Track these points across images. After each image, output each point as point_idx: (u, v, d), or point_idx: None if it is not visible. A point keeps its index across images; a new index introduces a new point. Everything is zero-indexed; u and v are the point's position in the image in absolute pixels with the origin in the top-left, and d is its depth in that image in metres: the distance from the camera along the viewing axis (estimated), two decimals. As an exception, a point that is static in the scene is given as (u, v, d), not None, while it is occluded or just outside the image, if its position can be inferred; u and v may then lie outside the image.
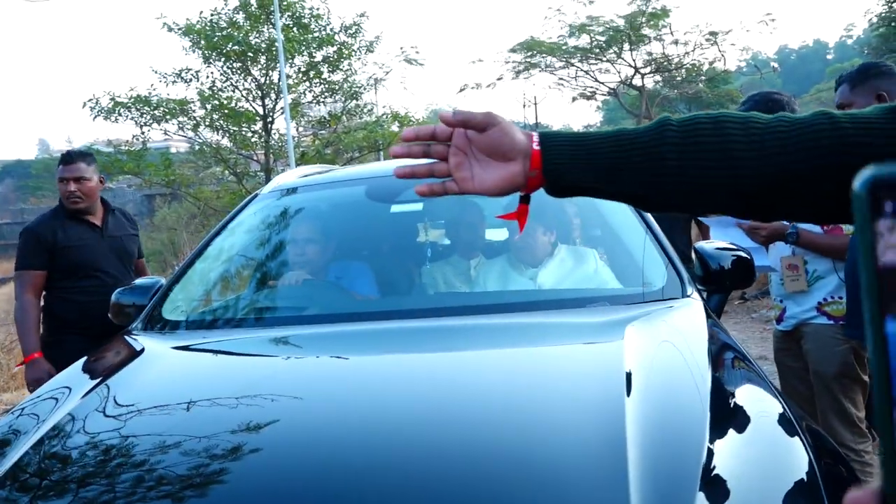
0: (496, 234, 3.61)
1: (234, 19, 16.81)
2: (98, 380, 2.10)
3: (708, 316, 2.27)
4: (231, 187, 18.06)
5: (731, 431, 1.55)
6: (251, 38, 16.77)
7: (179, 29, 16.60)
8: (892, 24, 22.10)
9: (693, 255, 2.79)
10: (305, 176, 3.49)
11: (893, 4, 22.36)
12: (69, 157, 3.99)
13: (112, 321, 3.53)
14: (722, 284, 2.69)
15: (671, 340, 2.06)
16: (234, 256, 3.12)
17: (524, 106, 61.98)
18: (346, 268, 3.04)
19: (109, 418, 1.84)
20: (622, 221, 2.97)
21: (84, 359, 2.45)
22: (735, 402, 1.74)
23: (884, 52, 27.65)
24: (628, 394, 1.63)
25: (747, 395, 1.79)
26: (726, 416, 1.62)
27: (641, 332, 2.05)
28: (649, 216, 2.88)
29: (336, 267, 3.02)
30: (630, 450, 1.42)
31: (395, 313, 2.53)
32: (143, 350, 2.34)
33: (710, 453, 1.43)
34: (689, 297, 2.44)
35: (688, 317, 2.26)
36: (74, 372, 2.33)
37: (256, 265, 3.10)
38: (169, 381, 2.04)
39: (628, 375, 1.71)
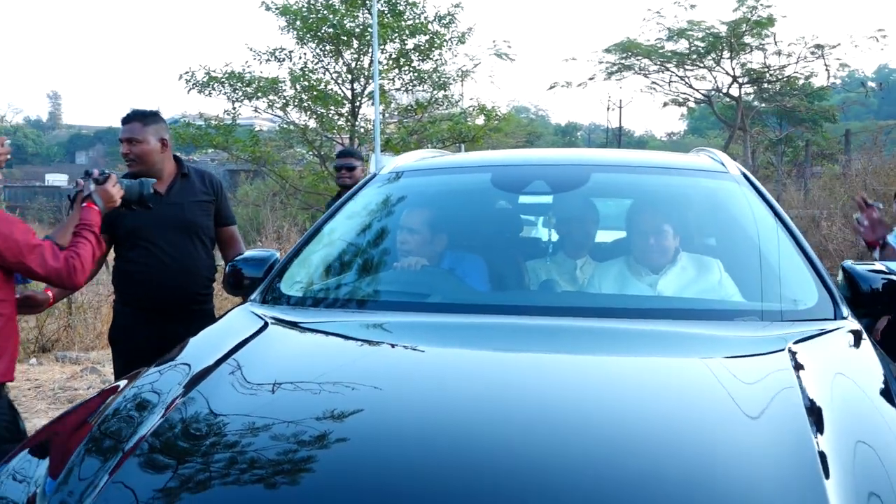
0: (608, 236, 3.45)
1: (331, 2, 16.92)
2: (224, 354, 2.03)
3: (871, 341, 2.07)
4: (314, 168, 18.21)
5: None
6: (346, 21, 16.85)
7: (277, 8, 16.79)
8: None
9: (841, 275, 2.58)
10: (424, 159, 3.39)
11: None
12: (127, 117, 3.62)
13: (175, 298, 3.46)
14: (872, 308, 2.47)
15: (843, 368, 1.87)
16: (351, 236, 3.04)
17: (608, 109, 61.20)
18: (459, 259, 2.93)
19: (240, 396, 1.77)
20: (762, 229, 2.77)
21: (208, 328, 2.41)
22: None
23: None
24: (814, 426, 1.46)
25: None
26: None
27: (805, 352, 1.87)
28: (794, 226, 2.68)
29: (451, 257, 2.91)
30: (830, 489, 1.26)
31: (514, 308, 2.41)
32: (266, 326, 2.27)
33: None
34: (844, 318, 2.24)
35: (850, 339, 2.07)
36: (200, 341, 2.28)
37: (374, 247, 3.01)
38: (294, 361, 1.97)
39: (810, 408, 1.53)
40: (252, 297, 2.63)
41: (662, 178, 3.08)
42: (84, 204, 3.06)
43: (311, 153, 18.56)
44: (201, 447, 1.55)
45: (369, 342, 2.29)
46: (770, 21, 20.19)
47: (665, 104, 23.60)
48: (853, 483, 1.29)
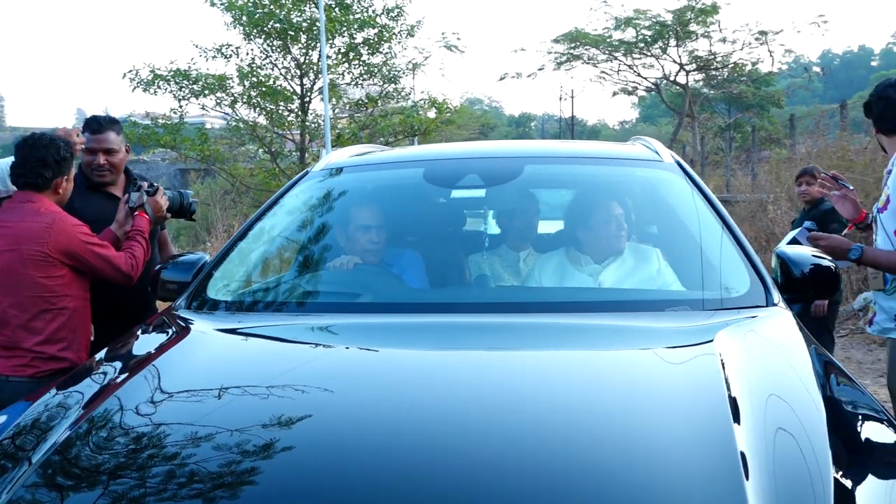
0: (550, 227, 3.43)
1: (277, -3, 16.70)
2: (142, 362, 1.97)
3: (800, 328, 2.07)
4: (265, 165, 18.01)
5: (854, 464, 1.38)
6: (293, 16, 16.66)
7: (222, 4, 16.53)
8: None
9: (774, 261, 2.58)
10: (359, 155, 3.33)
11: (948, 12, 21.77)
12: (98, 125, 3.55)
13: (132, 300, 3.39)
14: (805, 293, 2.48)
15: (770, 355, 1.87)
16: (281, 236, 2.97)
17: (561, 99, 61.50)
18: (396, 255, 2.88)
19: (155, 404, 1.70)
20: (695, 217, 2.77)
21: (128, 335, 2.32)
22: (851, 429, 1.55)
23: (934, 60, 26.98)
24: (736, 418, 1.44)
25: (860, 419, 1.61)
26: (846, 446, 1.43)
27: (733, 343, 1.85)
28: (727, 213, 2.68)
29: (389, 253, 2.86)
30: (749, 484, 1.25)
31: (450, 306, 2.36)
32: (188, 331, 2.20)
33: (839, 490, 1.26)
34: (775, 305, 2.24)
35: (780, 328, 2.07)
36: (118, 349, 2.21)
37: (305, 247, 2.94)
38: (215, 368, 1.90)
39: (732, 400, 1.52)
40: (177, 302, 2.55)
41: (597, 169, 3.07)
42: (136, 213, 3.39)
43: (261, 150, 18.32)
44: (108, 460, 1.48)
45: (294, 347, 2.20)
46: (714, 9, 20.43)
47: (615, 93, 23.77)
48: (772, 481, 1.28)
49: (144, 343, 2.27)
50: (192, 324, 2.30)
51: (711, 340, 1.87)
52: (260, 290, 2.66)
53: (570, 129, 42.72)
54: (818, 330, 5.33)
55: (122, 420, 1.64)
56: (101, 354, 2.22)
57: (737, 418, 1.45)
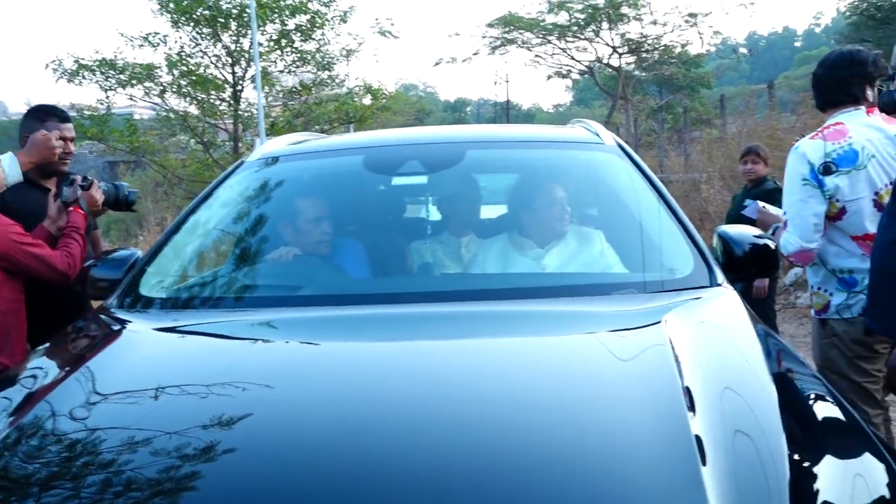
0: (492, 212, 3.40)
1: (205, -18, 16.32)
2: (72, 364, 1.88)
3: (746, 308, 2.08)
4: (197, 156, 17.64)
5: (808, 444, 1.38)
6: (222, 3, 16.31)
7: (148, -10, 16.10)
8: (863, 13, 22.21)
9: (715, 241, 2.60)
10: (295, 143, 3.24)
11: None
12: (65, 114, 3.50)
13: (67, 299, 3.26)
14: (746, 272, 2.50)
15: (718, 337, 1.86)
16: (216, 229, 2.87)
17: (496, 83, 61.62)
18: (339, 244, 2.82)
19: (87, 409, 1.62)
20: (636, 199, 2.77)
21: (58, 336, 2.22)
22: (802, 409, 1.56)
23: (854, 40, 27.83)
24: (689, 403, 1.43)
25: (811, 399, 1.62)
26: (799, 427, 1.44)
27: (681, 326, 1.84)
28: (668, 194, 2.68)
29: (329, 243, 2.79)
30: (706, 470, 1.23)
31: (391, 296, 2.31)
32: (120, 331, 2.11)
33: (795, 471, 1.26)
34: (719, 285, 2.25)
35: (726, 307, 2.07)
36: (48, 351, 2.10)
37: (242, 239, 2.85)
38: (148, 369, 1.81)
39: (685, 385, 1.51)
40: (109, 300, 2.44)
41: (538, 152, 3.04)
42: (71, 208, 3.25)
43: (193, 140, 17.93)
44: (39, 470, 1.40)
45: (232, 345, 2.11)
46: (645, -9, 20.73)
47: (549, 77, 23.90)
48: (729, 465, 1.27)
49: (75, 345, 2.17)
50: (124, 323, 2.20)
51: (659, 323, 1.85)
52: (196, 285, 2.56)
53: (506, 113, 42.89)
54: (759, 306, 5.43)
55: (53, 427, 1.56)
56: (30, 358, 2.11)
57: (690, 403, 1.44)
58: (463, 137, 3.31)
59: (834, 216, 3.14)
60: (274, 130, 16.70)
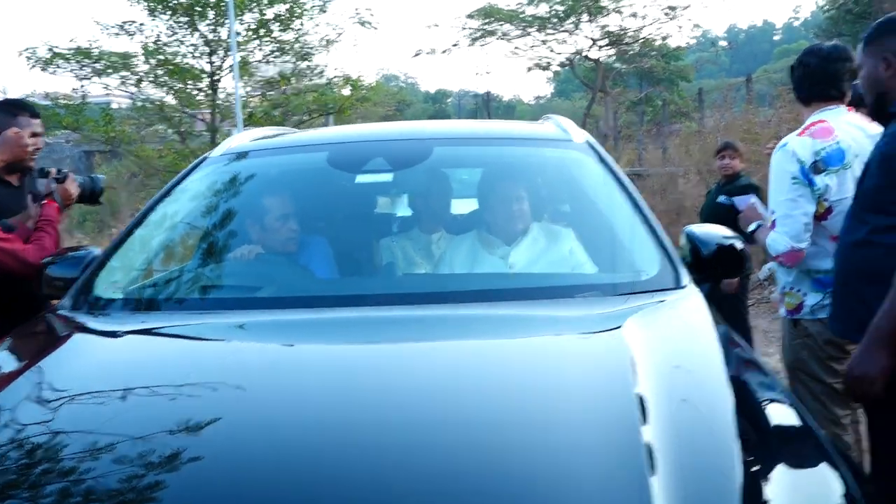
0: (463, 207, 3.37)
1: (182, -29, 16.13)
2: (18, 368, 1.83)
3: (710, 310, 2.06)
4: (174, 146, 17.46)
5: (762, 452, 1.37)
6: (199, -9, 16.12)
7: (124, -22, 15.91)
8: (840, 7, 22.36)
9: (682, 240, 2.58)
10: (260, 139, 3.18)
11: (844, -12, 22.61)
12: (35, 110, 3.48)
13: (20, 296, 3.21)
14: (713, 272, 2.48)
15: (677, 342, 1.85)
16: (177, 226, 2.81)
17: (476, 75, 61.64)
18: (303, 242, 2.78)
19: (30, 416, 1.57)
20: (604, 198, 2.75)
21: (5, 338, 2.16)
22: (758, 415, 1.55)
23: (832, 34, 28.06)
24: (643, 416, 1.41)
25: (767, 404, 1.61)
26: (754, 433, 1.42)
27: (642, 331, 1.82)
28: (637, 194, 2.65)
29: (293, 241, 2.75)
30: (655, 479, 1.21)
31: (356, 299, 2.28)
32: (71, 334, 2.05)
33: (747, 480, 1.24)
34: (684, 287, 2.23)
35: (689, 311, 2.05)
36: None
37: (203, 237, 2.80)
38: (99, 375, 1.77)
39: (638, 393, 1.50)
40: (62, 301, 2.38)
41: (506, 150, 3.01)
42: (45, 201, 3.24)
43: (171, 131, 17.74)
44: None
45: (181, 352, 2.05)
46: (625, -17, 20.73)
47: (529, 69, 23.89)
48: (679, 475, 1.25)
49: (22, 348, 2.11)
50: (77, 325, 2.15)
51: (619, 328, 1.84)
52: (153, 286, 2.51)
53: (486, 105, 42.84)
54: (731, 302, 5.41)
55: None
56: None
57: (643, 411, 1.43)
58: (430, 134, 3.27)
59: (821, 216, 3.08)
60: (252, 121, 16.55)
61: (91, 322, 2.19)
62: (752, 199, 3.54)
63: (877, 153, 2.54)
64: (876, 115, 2.68)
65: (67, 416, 1.57)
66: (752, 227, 3.30)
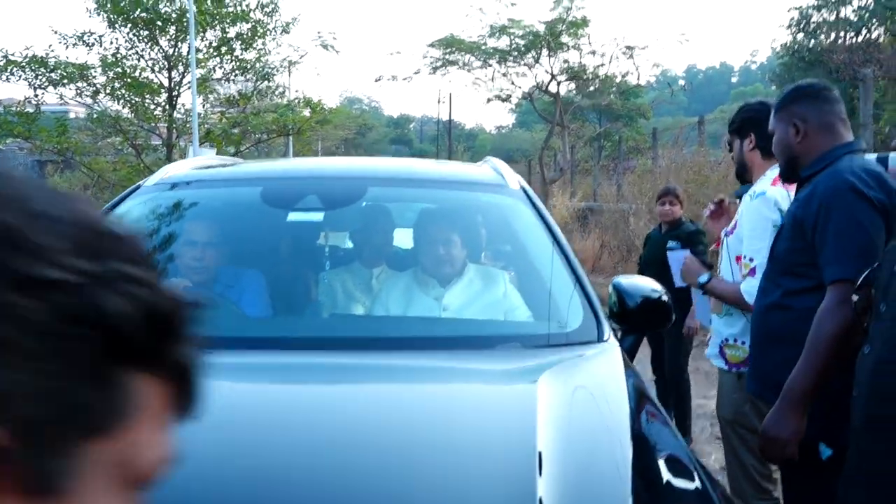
0: (403, 238, 3.38)
1: (145, -16, 16.05)
2: None
3: (626, 365, 2.10)
4: (129, 160, 17.25)
5: None
6: (161, 5, 16.05)
7: (84, -11, 15.75)
8: (795, 54, 23.00)
9: (610, 289, 2.62)
10: (198, 168, 3.16)
11: (797, 36, 23.24)
12: None
13: None
14: (638, 324, 2.53)
15: (587, 400, 1.88)
16: None
17: (439, 102, 62.01)
18: (236, 277, 2.75)
19: None
20: (535, 244, 2.78)
21: None
22: (654, 474, 1.58)
23: (786, 80, 28.82)
24: (540, 471, 1.43)
25: (666, 464, 1.64)
26: (647, 492, 1.45)
27: (555, 388, 1.85)
28: (566, 244, 2.69)
29: (225, 275, 2.73)
30: None
31: (285, 341, 2.28)
32: None
33: None
34: (605, 341, 2.26)
35: (605, 367, 2.09)
36: None
37: None
38: None
39: (538, 452, 1.52)
40: None
41: (441, 193, 3.04)
42: None
43: (126, 144, 17.53)
44: None
45: None
46: (584, 22, 21.00)
47: (489, 100, 24.08)
48: None
49: None
50: None
51: (534, 383, 1.86)
52: None
53: (448, 132, 43.14)
54: (673, 346, 5.34)
55: None
56: None
57: (540, 466, 1.45)
58: (366, 173, 3.28)
59: None
60: (209, 138, 16.45)
61: None
62: (686, 252, 3.61)
63: (789, 217, 2.60)
64: (786, 178, 2.74)
65: None
66: (703, 279, 3.23)
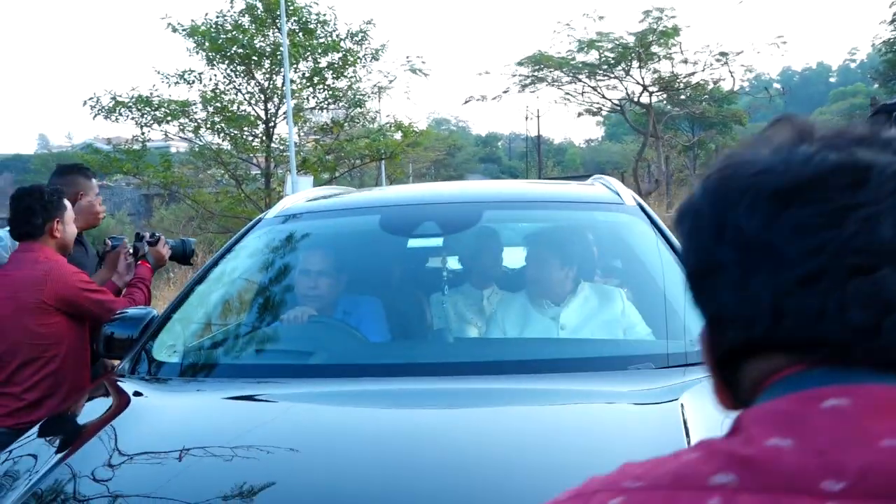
0: (515, 256, 3.36)
1: (240, 22, 16.62)
2: (75, 438, 1.86)
3: None
4: (230, 191, 17.83)
5: None
6: (256, 41, 16.58)
7: (184, 30, 16.41)
8: (898, 51, 22.03)
9: None
10: (313, 200, 3.23)
11: (901, 31, 22.27)
12: (91, 171, 3.77)
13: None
14: None
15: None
16: (233, 289, 2.86)
17: (527, 119, 61.93)
18: (355, 303, 2.79)
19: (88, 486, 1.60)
20: (657, 262, 2.71)
21: (71, 402, 2.21)
22: None
23: (890, 77, 27.57)
24: None
25: None
26: None
27: (700, 409, 1.78)
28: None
29: (345, 302, 2.77)
30: None
31: (407, 368, 2.28)
32: (128, 401, 2.09)
33: None
34: None
35: None
36: (52, 427, 2.09)
37: (257, 300, 2.84)
38: (154, 444, 1.79)
39: None
40: (122, 364, 2.42)
41: (557, 213, 3.01)
42: (139, 262, 3.49)
43: (226, 175, 18.14)
44: None
45: (242, 419, 2.06)
46: (675, 31, 20.66)
47: (580, 114, 23.92)
48: None
49: (82, 416, 2.16)
50: (133, 393, 2.18)
51: (675, 405, 1.79)
52: (209, 349, 2.54)
53: (538, 148, 42.96)
54: None
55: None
56: (39, 427, 2.09)
57: None
58: (481, 196, 3.29)
59: None
60: (306, 166, 16.86)
61: (149, 388, 2.23)
62: None
63: None
64: None
65: (130, 481, 1.60)
66: None
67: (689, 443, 1.59)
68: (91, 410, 2.19)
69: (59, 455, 1.76)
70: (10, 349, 3.04)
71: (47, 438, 1.98)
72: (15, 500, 1.56)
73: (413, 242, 3.04)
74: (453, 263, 3.31)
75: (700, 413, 1.76)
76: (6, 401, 3.04)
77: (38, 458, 1.77)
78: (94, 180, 3.69)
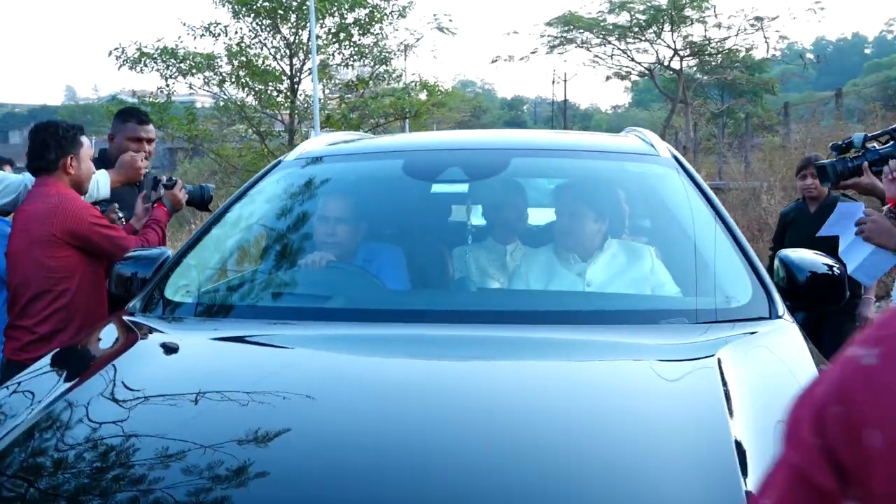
0: (540, 216, 3.24)
1: (267, -26, 16.44)
2: (82, 373, 1.80)
3: (808, 346, 1.89)
4: (254, 146, 17.81)
5: None
6: (282, -6, 16.42)
7: (210, -20, 16.26)
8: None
9: (777, 264, 2.39)
10: (334, 144, 3.13)
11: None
12: (143, 116, 3.77)
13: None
14: (811, 301, 2.28)
15: (776, 381, 1.69)
16: (250, 231, 2.78)
17: (553, 83, 61.28)
18: (375, 251, 2.70)
19: (92, 425, 1.54)
20: (691, 216, 2.58)
21: (77, 338, 2.15)
22: None
23: (928, 49, 26.87)
24: (742, 462, 1.28)
25: None
26: None
27: (737, 364, 1.68)
28: (727, 214, 2.48)
29: (365, 249, 2.68)
30: None
31: (428, 314, 2.19)
32: (137, 339, 2.02)
33: None
34: (780, 318, 2.06)
35: (788, 346, 1.88)
36: (58, 360, 2.03)
37: (275, 243, 2.75)
38: (164, 383, 1.72)
39: (738, 443, 1.36)
40: (132, 303, 2.35)
41: (588, 163, 2.88)
42: (155, 205, 3.49)
43: (250, 130, 18.09)
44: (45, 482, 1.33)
45: (257, 361, 2.00)
46: (710, -7, 20.25)
47: (608, 77, 23.54)
48: None
49: (93, 350, 2.10)
50: (144, 331, 2.11)
51: (712, 362, 1.69)
52: (224, 290, 2.47)
53: (563, 112, 42.53)
54: (838, 326, 4.55)
55: (55, 445, 1.49)
56: (45, 361, 2.03)
57: (742, 460, 1.29)
58: (508, 143, 3.16)
59: None
60: (329, 123, 16.77)
61: (161, 326, 2.16)
62: (862, 206, 3.10)
63: None
64: None
65: (134, 420, 1.53)
66: None
67: (727, 395, 1.49)
68: (102, 345, 2.13)
69: (66, 386, 1.71)
70: (22, 282, 3.07)
71: (57, 370, 1.92)
72: (16, 429, 1.50)
73: (437, 188, 2.94)
74: (476, 220, 3.21)
75: (739, 369, 1.66)
76: (19, 333, 3.07)
77: (45, 389, 1.71)
78: (137, 125, 3.69)
